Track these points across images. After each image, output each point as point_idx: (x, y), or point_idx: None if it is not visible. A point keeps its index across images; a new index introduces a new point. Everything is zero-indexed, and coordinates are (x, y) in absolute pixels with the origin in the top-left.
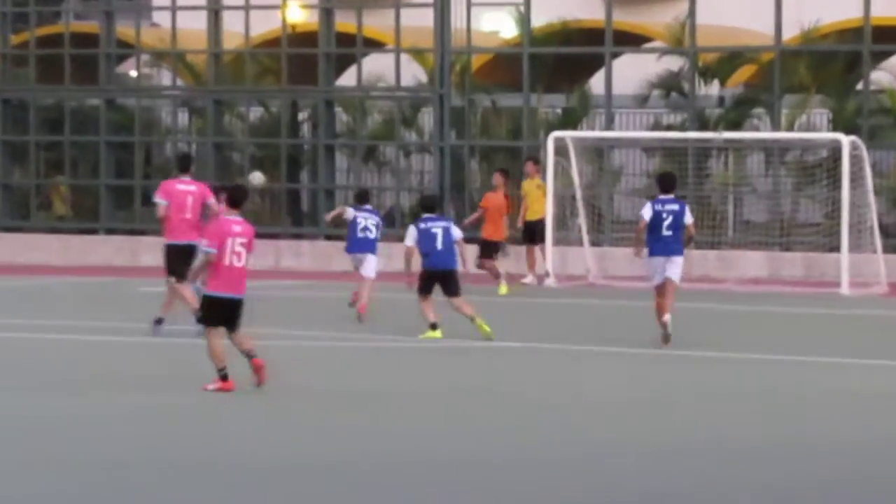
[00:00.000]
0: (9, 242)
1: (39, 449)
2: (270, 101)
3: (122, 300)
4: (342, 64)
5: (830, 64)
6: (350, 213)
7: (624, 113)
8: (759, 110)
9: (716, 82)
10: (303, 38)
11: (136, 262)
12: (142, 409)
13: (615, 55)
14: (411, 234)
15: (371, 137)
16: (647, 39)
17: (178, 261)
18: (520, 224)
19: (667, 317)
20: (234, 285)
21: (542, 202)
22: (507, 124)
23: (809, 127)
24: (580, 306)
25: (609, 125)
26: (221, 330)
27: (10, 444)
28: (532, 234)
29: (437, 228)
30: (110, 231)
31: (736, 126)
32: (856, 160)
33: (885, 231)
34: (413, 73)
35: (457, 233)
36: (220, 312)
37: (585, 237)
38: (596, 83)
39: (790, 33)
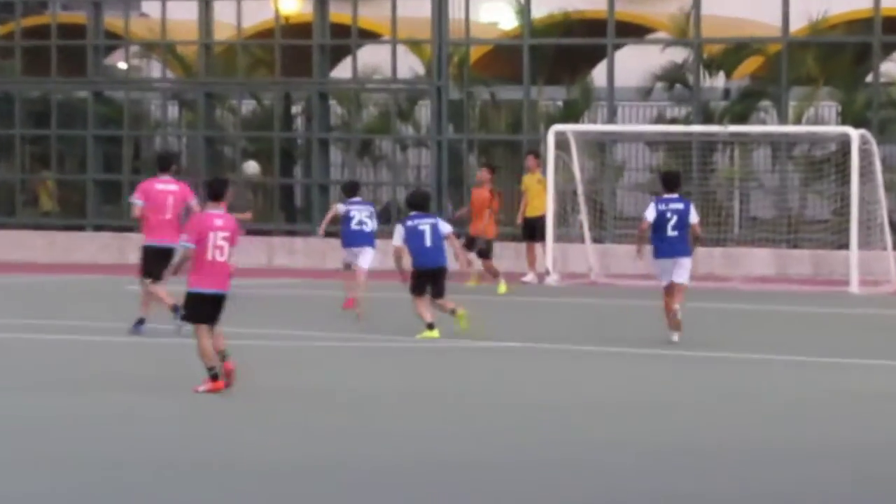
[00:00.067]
0: None
1: (29, 449)
2: (263, 93)
3: (110, 299)
4: (337, 55)
5: (839, 55)
6: (341, 208)
7: (627, 106)
8: (765, 103)
9: (721, 74)
10: (296, 29)
11: (123, 259)
12: (133, 409)
13: (618, 46)
14: (398, 232)
15: (366, 131)
16: (651, 30)
17: (155, 262)
18: (519, 220)
19: (676, 306)
20: (218, 280)
21: (542, 198)
22: (507, 118)
23: (817, 120)
24: (581, 305)
25: (611, 119)
26: (207, 327)
27: (2, 444)
28: (532, 230)
29: (425, 225)
30: (98, 228)
31: (742, 119)
32: (865, 154)
33: None
34: (410, 65)
35: (445, 228)
36: (205, 309)
37: (587, 234)
38: (598, 75)
39: (798, 24)
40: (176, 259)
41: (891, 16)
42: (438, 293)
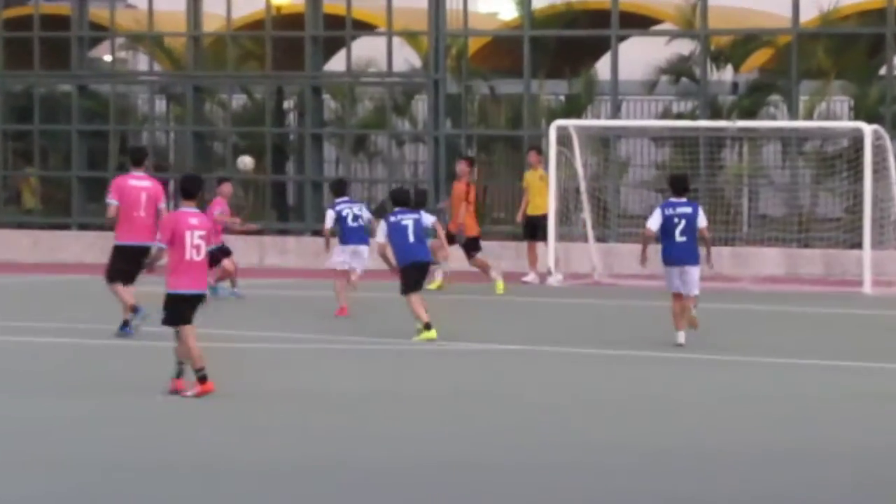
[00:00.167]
0: None
1: (22, 451)
2: (254, 87)
3: (96, 300)
4: (330, 48)
5: (851, 48)
6: (330, 216)
7: (631, 100)
8: (775, 97)
9: (729, 67)
10: (288, 20)
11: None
12: (124, 411)
13: (622, 38)
14: (381, 229)
15: (361, 126)
16: (656, 21)
17: (125, 264)
18: (519, 218)
19: (692, 312)
20: (197, 280)
21: (544, 195)
22: (507, 112)
23: (829, 115)
24: (584, 306)
25: (615, 113)
26: (192, 328)
27: None
28: (534, 229)
29: (408, 220)
30: (83, 226)
31: (751, 114)
32: (879, 150)
33: None
34: (406, 58)
35: (428, 219)
36: (186, 309)
37: (590, 232)
38: (601, 68)
39: (808, 15)
40: (149, 259)
41: None
42: (418, 289)
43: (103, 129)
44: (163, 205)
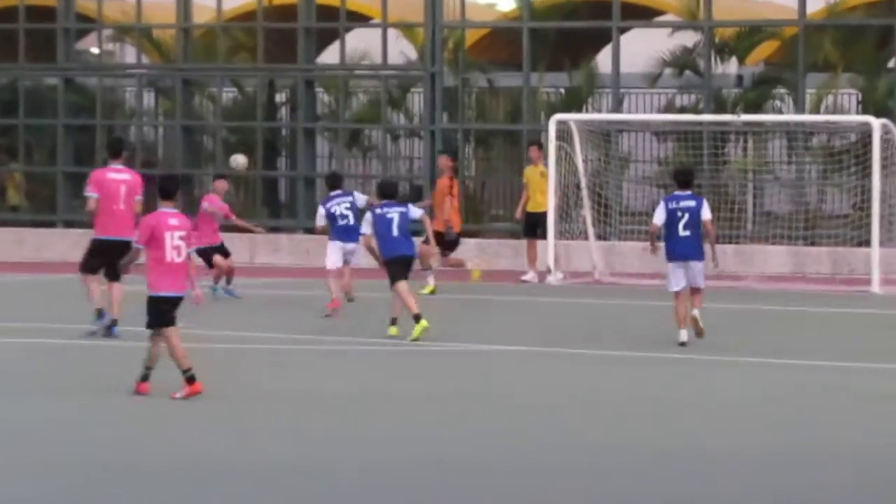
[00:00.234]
0: None
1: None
2: (245, 80)
3: (83, 300)
4: (324, 40)
5: (859, 39)
6: (320, 214)
7: (633, 93)
8: (781, 90)
9: (734, 60)
10: (280, 12)
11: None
12: (112, 412)
13: (623, 30)
14: (367, 220)
15: (355, 120)
16: (659, 12)
17: (102, 257)
18: (518, 215)
19: (695, 312)
20: (179, 283)
21: (545, 192)
22: (505, 106)
23: (836, 109)
24: (584, 306)
25: (617, 107)
26: (175, 329)
27: None
28: (534, 226)
29: (393, 213)
30: (69, 224)
31: (756, 108)
32: (887, 145)
33: None
34: (401, 50)
35: (415, 212)
36: (168, 311)
37: (591, 230)
38: (602, 61)
39: (815, 6)
40: (125, 259)
41: None
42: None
43: (90, 123)
44: (139, 197)
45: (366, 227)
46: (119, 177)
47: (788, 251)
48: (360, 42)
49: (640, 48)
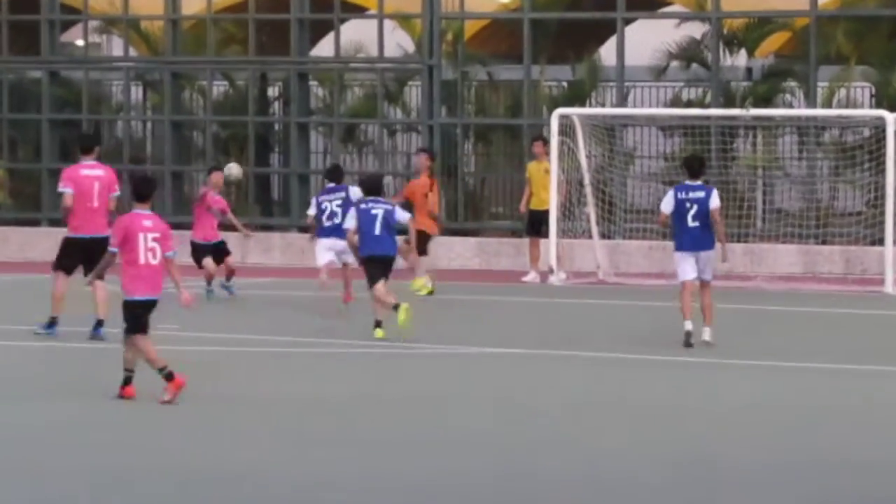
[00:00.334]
0: None
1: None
2: (236, 73)
3: (69, 301)
4: (318, 31)
5: (873, 31)
6: (312, 205)
7: (638, 87)
8: (791, 84)
9: (743, 52)
10: (273, 2)
11: None
12: (102, 416)
13: (628, 21)
14: (351, 215)
15: (351, 115)
16: (665, 3)
17: (75, 256)
18: (522, 209)
19: (706, 332)
20: (153, 286)
21: (549, 189)
22: (506, 100)
23: (849, 102)
24: (588, 307)
25: (621, 101)
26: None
27: None
28: (538, 225)
29: (378, 210)
30: (54, 222)
31: (766, 102)
32: None
33: None
34: (398, 42)
35: (402, 215)
36: (143, 315)
37: (594, 228)
38: (606, 53)
39: None
40: (101, 265)
41: None
42: (384, 278)
43: (75, 118)
44: (116, 194)
45: (350, 222)
46: (92, 173)
47: (799, 250)
48: (356, 34)
49: (646, 40)
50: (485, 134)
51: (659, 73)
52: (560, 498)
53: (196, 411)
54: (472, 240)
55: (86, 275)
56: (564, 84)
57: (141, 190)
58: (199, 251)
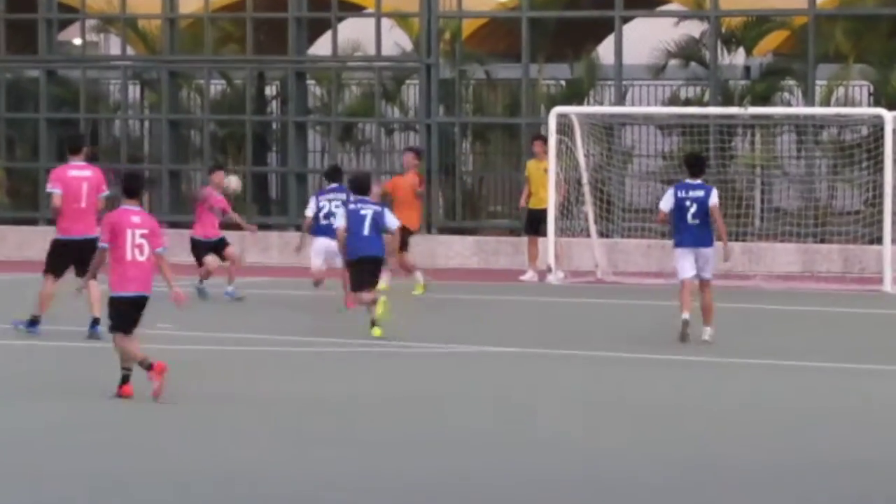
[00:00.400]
0: None
1: None
2: (233, 72)
3: (65, 300)
4: (315, 30)
5: (872, 29)
6: (311, 205)
7: (636, 85)
8: (790, 82)
9: (741, 50)
10: (270, 1)
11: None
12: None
13: (626, 19)
14: (341, 214)
15: (348, 114)
16: (663, 1)
17: (63, 258)
18: (523, 203)
19: (706, 332)
20: (140, 282)
21: (548, 188)
22: (504, 99)
23: (848, 101)
24: (586, 306)
25: (619, 99)
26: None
27: None
28: (536, 223)
29: (367, 211)
30: (51, 222)
31: (764, 100)
32: None
33: None
34: (396, 41)
35: (392, 222)
36: (129, 314)
37: (592, 227)
38: (605, 51)
39: None
40: (93, 263)
41: None
42: (371, 284)
43: (73, 117)
44: (105, 194)
45: (340, 221)
46: (81, 174)
47: (798, 249)
48: (353, 32)
49: (644, 38)
50: (483, 133)
51: (657, 71)
52: (560, 498)
53: (194, 411)
54: (470, 239)
55: (77, 275)
56: (562, 83)
57: (130, 186)
58: (199, 248)
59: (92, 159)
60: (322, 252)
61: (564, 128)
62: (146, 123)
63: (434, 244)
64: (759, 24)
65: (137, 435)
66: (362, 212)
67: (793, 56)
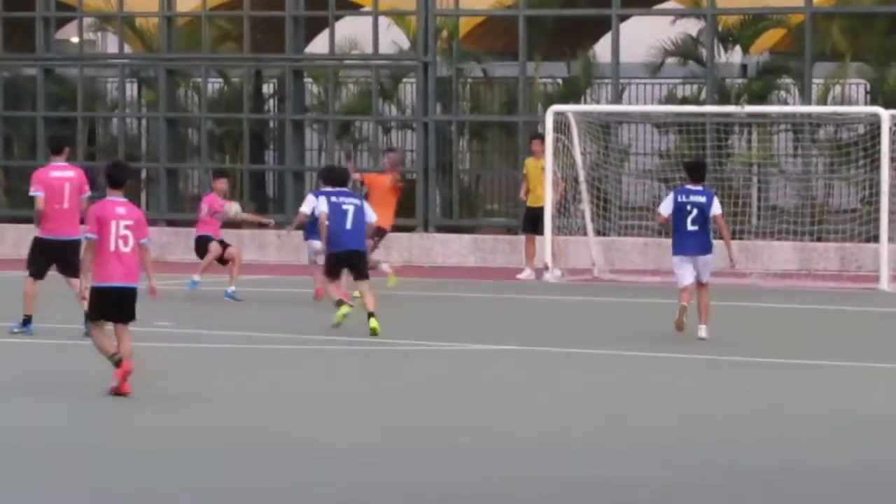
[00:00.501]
0: None
1: None
2: (231, 70)
3: (63, 299)
4: (312, 28)
5: (869, 28)
6: (310, 201)
7: (633, 83)
8: (786, 81)
9: (738, 49)
10: None
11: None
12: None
13: (623, 18)
14: (323, 204)
15: (345, 112)
16: (660, 0)
17: (44, 258)
18: (522, 196)
19: (702, 329)
20: (123, 273)
21: (546, 186)
22: (501, 97)
23: (844, 99)
24: (583, 304)
25: (616, 98)
26: (103, 325)
27: None
28: (535, 221)
29: (349, 205)
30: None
31: (761, 99)
32: None
33: None
34: (393, 39)
35: (371, 216)
36: (108, 305)
37: (589, 225)
38: (602, 50)
39: None
40: (84, 255)
41: None
42: (362, 276)
43: (70, 115)
44: (88, 195)
45: (323, 206)
46: (63, 175)
47: (794, 247)
48: (351, 31)
49: (641, 37)
50: (480, 131)
51: (654, 69)
52: (560, 498)
53: (192, 410)
54: (467, 237)
55: (63, 274)
56: (559, 81)
57: (115, 176)
58: (202, 241)
59: (89, 158)
60: (315, 253)
61: (561, 126)
62: (144, 122)
63: (431, 242)
64: (756, 22)
65: (137, 435)
66: (344, 206)
67: (790, 54)
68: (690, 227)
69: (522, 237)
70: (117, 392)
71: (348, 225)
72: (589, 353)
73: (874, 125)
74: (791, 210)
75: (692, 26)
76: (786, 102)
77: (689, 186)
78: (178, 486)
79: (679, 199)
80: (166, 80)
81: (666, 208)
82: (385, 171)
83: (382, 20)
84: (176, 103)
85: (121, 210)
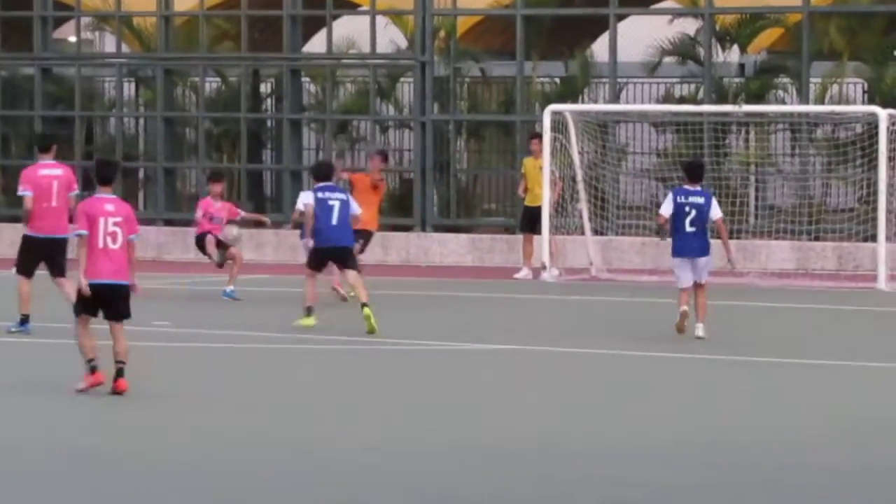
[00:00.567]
0: None
1: None
2: (228, 70)
3: (56, 299)
4: (310, 27)
5: (866, 27)
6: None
7: (631, 83)
8: (784, 80)
9: (735, 48)
10: None
11: (72, 254)
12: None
13: (621, 17)
14: (308, 198)
15: (343, 111)
16: None
17: (33, 256)
18: (521, 193)
19: (699, 333)
20: (112, 270)
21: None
22: (498, 96)
23: (842, 99)
24: (581, 303)
25: (614, 97)
26: (88, 319)
27: None
28: (533, 220)
29: (335, 201)
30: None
31: (758, 98)
32: (895, 136)
33: None
34: (391, 38)
35: (356, 209)
36: (95, 301)
37: (587, 225)
38: (599, 49)
39: None
40: (77, 253)
41: None
42: (351, 266)
43: (68, 114)
44: (76, 193)
45: (308, 198)
46: (51, 173)
47: (792, 246)
48: (348, 30)
49: (639, 36)
50: (477, 130)
51: (651, 69)
52: (559, 497)
53: (191, 410)
54: (464, 236)
55: (51, 273)
56: (557, 80)
57: (104, 173)
58: (202, 238)
59: (87, 157)
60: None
61: (559, 125)
62: (141, 121)
63: (428, 242)
64: (754, 21)
65: (136, 434)
66: (330, 202)
67: (787, 53)
68: (689, 229)
69: (520, 237)
70: (114, 391)
71: (334, 220)
72: (587, 353)
73: (872, 124)
74: (789, 209)
75: (690, 25)
76: (783, 102)
77: (686, 187)
78: (178, 486)
79: (678, 200)
80: (164, 80)
81: (667, 209)
82: (369, 170)
83: (380, 19)
84: (173, 103)
85: (109, 207)
